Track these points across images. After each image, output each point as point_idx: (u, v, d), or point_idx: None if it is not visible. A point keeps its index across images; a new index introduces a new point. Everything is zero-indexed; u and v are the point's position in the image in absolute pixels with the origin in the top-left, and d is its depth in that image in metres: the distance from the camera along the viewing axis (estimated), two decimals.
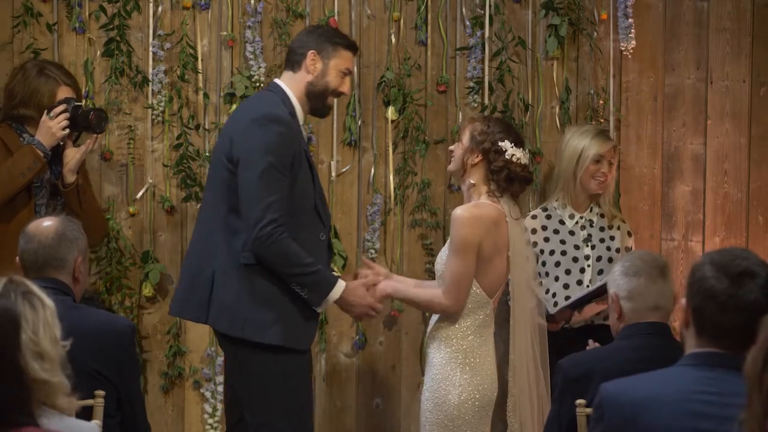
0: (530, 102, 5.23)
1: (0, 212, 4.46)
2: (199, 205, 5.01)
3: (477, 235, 4.16)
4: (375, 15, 5.14)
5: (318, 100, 4.23)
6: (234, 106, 5.03)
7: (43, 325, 2.45)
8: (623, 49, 5.26)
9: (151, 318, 5.02)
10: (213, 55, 5.06)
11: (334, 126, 5.09)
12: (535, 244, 4.79)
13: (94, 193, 4.83)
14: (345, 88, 4.26)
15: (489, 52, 5.18)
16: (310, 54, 4.20)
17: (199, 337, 5.07)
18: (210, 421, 5.05)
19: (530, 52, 5.24)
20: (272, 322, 4.04)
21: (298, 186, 4.09)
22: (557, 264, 4.77)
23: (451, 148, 4.40)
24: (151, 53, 4.98)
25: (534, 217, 4.87)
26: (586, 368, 3.45)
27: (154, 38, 4.98)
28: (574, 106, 5.27)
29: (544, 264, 4.77)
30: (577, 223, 4.85)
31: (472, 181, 4.26)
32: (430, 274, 4.99)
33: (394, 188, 5.16)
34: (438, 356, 4.22)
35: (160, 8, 5.00)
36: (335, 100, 4.36)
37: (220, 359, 5.02)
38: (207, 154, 5.02)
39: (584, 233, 4.84)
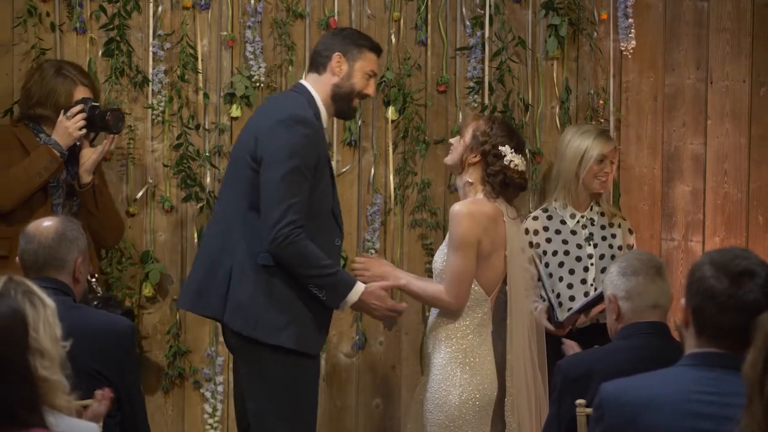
0: (530, 102, 5.23)
1: (17, 212, 4.44)
2: (199, 205, 5.02)
3: (476, 230, 4.16)
4: (375, 15, 5.14)
5: (344, 102, 4.23)
6: (234, 106, 5.04)
7: (43, 323, 2.46)
8: (623, 49, 5.26)
9: (151, 318, 5.02)
10: (213, 55, 5.06)
11: (334, 126, 5.09)
12: (537, 245, 4.80)
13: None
14: (370, 90, 4.28)
15: (489, 52, 5.18)
16: (336, 56, 4.20)
17: (199, 337, 5.07)
18: (210, 421, 5.05)
19: (530, 52, 5.24)
20: (286, 325, 4.03)
21: (319, 189, 4.09)
22: (561, 264, 4.78)
23: (452, 141, 4.40)
24: (151, 53, 4.98)
25: (535, 218, 4.87)
26: (585, 368, 3.45)
27: (154, 38, 4.98)
28: (574, 106, 5.27)
29: (547, 265, 4.78)
30: (578, 222, 4.85)
31: (468, 180, 4.27)
32: (430, 274, 4.98)
33: (394, 188, 5.16)
34: (438, 356, 4.22)
35: (160, 8, 5.00)
36: (360, 102, 4.36)
37: (221, 359, 5.02)
38: (207, 154, 5.02)
39: (586, 232, 4.84)
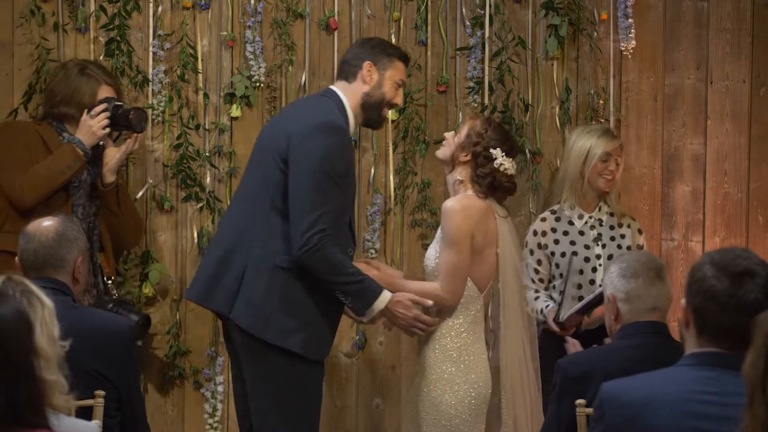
0: (530, 102, 5.23)
1: (37, 211, 4.40)
2: (199, 205, 5.02)
3: (469, 225, 4.17)
4: (375, 15, 5.14)
5: (374, 111, 4.23)
6: (234, 106, 5.04)
7: (40, 324, 2.46)
8: (623, 49, 5.26)
9: (151, 318, 5.00)
10: (213, 55, 5.06)
11: None
12: (545, 246, 4.81)
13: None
14: (398, 99, 4.28)
15: (489, 52, 5.18)
16: (366, 64, 4.20)
17: (199, 337, 5.07)
18: (210, 421, 5.05)
19: (530, 52, 5.24)
20: (295, 329, 4.01)
21: (344, 198, 4.10)
22: (569, 265, 4.78)
23: (447, 135, 4.38)
24: (151, 53, 4.98)
25: (543, 219, 4.87)
26: (585, 368, 3.45)
27: (154, 38, 4.98)
28: (574, 106, 5.27)
29: (557, 266, 4.78)
30: (586, 222, 4.85)
31: (458, 178, 4.29)
32: None
33: (394, 188, 5.16)
34: (432, 356, 4.22)
35: (160, 8, 5.01)
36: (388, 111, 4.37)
37: (221, 359, 5.02)
38: (207, 154, 5.03)
39: (594, 233, 4.84)
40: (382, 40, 4.49)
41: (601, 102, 5.27)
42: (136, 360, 3.88)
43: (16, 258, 3.66)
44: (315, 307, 4.05)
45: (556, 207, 4.88)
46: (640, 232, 4.91)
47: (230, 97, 5.04)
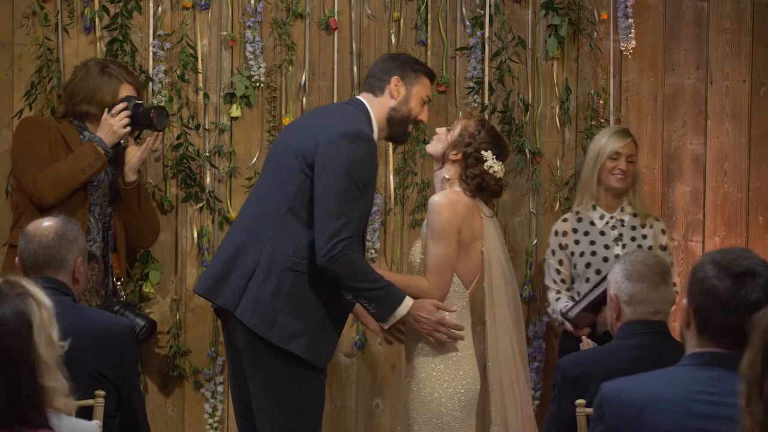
0: (530, 102, 5.23)
1: (56, 210, 4.39)
2: (199, 205, 5.03)
3: (456, 219, 4.18)
4: (375, 15, 5.15)
5: (399, 126, 4.23)
6: (234, 106, 5.04)
7: (39, 324, 2.45)
8: (623, 49, 5.26)
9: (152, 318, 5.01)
10: (213, 55, 5.06)
11: None
12: (566, 246, 4.84)
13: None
14: (424, 116, 4.29)
15: (489, 52, 5.18)
16: (394, 79, 4.20)
17: (199, 337, 5.07)
18: (210, 421, 5.05)
19: (530, 52, 5.24)
20: (300, 333, 4.00)
21: (366, 208, 4.11)
22: (587, 265, 4.79)
23: (439, 130, 4.38)
24: (151, 53, 4.98)
25: (565, 220, 4.91)
26: (585, 368, 3.45)
27: (154, 38, 4.98)
28: (574, 106, 5.27)
29: (575, 266, 4.79)
30: (607, 223, 4.86)
31: (446, 176, 4.30)
32: None
33: (394, 188, 5.16)
34: (420, 354, 4.22)
35: (160, 8, 5.01)
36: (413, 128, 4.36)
37: (221, 359, 5.02)
38: (207, 154, 5.03)
39: (615, 233, 4.85)
40: (408, 55, 4.51)
41: (601, 102, 5.27)
42: (136, 360, 3.88)
43: (17, 258, 3.66)
44: (322, 312, 4.04)
45: (578, 207, 4.90)
46: (663, 232, 4.91)
47: (230, 97, 5.04)
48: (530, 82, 5.25)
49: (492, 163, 4.26)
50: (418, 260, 4.28)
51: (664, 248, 4.87)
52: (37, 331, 2.45)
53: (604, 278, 4.18)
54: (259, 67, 5.03)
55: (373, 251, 5.10)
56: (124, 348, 3.63)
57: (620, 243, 4.83)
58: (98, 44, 4.96)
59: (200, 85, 5.04)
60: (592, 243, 4.83)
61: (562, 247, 4.84)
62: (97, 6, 4.95)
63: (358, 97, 4.27)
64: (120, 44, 4.92)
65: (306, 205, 4.02)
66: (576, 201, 4.94)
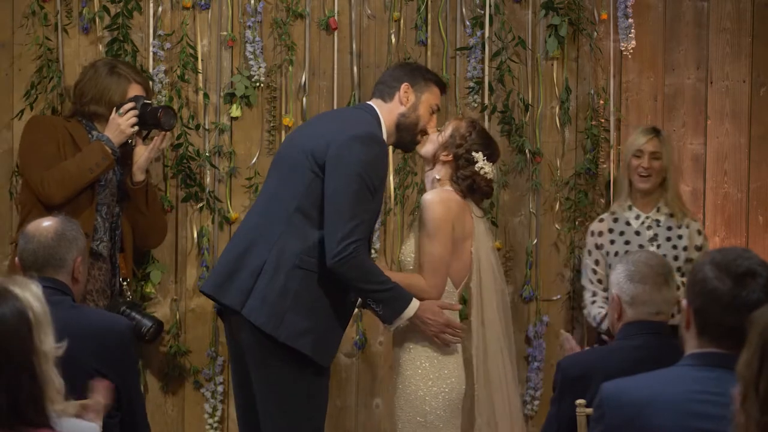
0: (530, 102, 5.23)
1: (63, 210, 4.38)
2: (199, 205, 5.03)
3: (450, 216, 4.19)
4: (375, 15, 5.15)
5: (407, 133, 4.24)
6: (234, 106, 5.04)
7: (36, 327, 2.45)
8: (623, 49, 5.26)
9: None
10: (213, 55, 5.06)
11: None
12: (601, 246, 4.88)
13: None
14: (432, 125, 4.30)
15: (489, 52, 5.18)
16: (404, 86, 4.21)
17: (199, 337, 5.07)
18: (210, 421, 5.05)
19: (530, 52, 5.24)
20: (307, 331, 3.99)
21: (375, 210, 4.11)
22: None
23: (432, 132, 4.38)
24: (151, 53, 4.98)
25: (601, 220, 4.95)
26: (585, 368, 3.45)
27: (154, 38, 4.98)
28: (574, 106, 5.27)
29: (610, 266, 4.80)
30: (642, 223, 4.88)
31: (437, 176, 4.31)
32: None
33: (394, 188, 5.16)
34: (407, 352, 4.22)
35: (160, 8, 5.01)
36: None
37: (221, 359, 5.02)
38: (207, 154, 5.03)
39: (650, 233, 4.86)
40: (419, 64, 4.53)
41: (601, 102, 5.27)
42: (136, 360, 3.88)
43: (16, 258, 3.66)
44: (328, 311, 4.04)
45: (615, 207, 4.92)
46: (699, 232, 4.91)
47: (230, 97, 5.04)
48: (530, 82, 5.25)
49: (483, 165, 4.27)
50: (409, 259, 4.28)
51: (699, 249, 4.86)
52: (37, 330, 2.45)
53: None
54: (259, 67, 5.03)
55: (373, 251, 5.10)
56: (124, 348, 3.63)
57: (655, 243, 4.84)
58: (98, 44, 4.96)
59: (200, 85, 5.04)
60: (627, 243, 4.84)
61: (597, 247, 4.87)
62: (96, 6, 4.95)
63: (368, 102, 4.28)
64: (120, 44, 4.92)
65: (315, 205, 4.02)
66: (614, 201, 4.97)
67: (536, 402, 5.22)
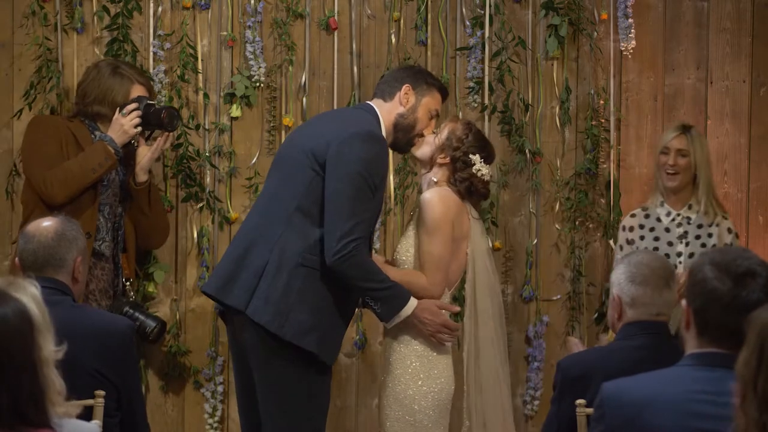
0: (530, 102, 5.23)
1: (65, 210, 4.38)
2: (199, 205, 5.03)
3: (449, 214, 4.20)
4: (375, 15, 5.15)
5: (404, 134, 4.24)
6: (234, 106, 5.04)
7: (38, 327, 2.45)
8: (623, 49, 5.26)
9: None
10: (213, 55, 5.06)
11: None
12: (632, 241, 4.89)
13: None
14: (429, 130, 4.30)
15: (489, 52, 5.18)
16: (405, 87, 4.21)
17: (199, 337, 5.07)
18: (210, 421, 5.05)
19: (530, 52, 5.24)
20: (311, 329, 4.00)
21: (376, 208, 4.12)
22: None
23: (427, 134, 4.37)
24: (151, 53, 4.98)
25: (633, 215, 4.96)
26: (585, 368, 3.45)
27: (154, 38, 4.98)
28: (574, 106, 5.27)
29: None
30: (673, 220, 4.89)
31: (434, 179, 4.30)
32: None
33: (394, 188, 5.16)
34: (397, 350, 4.21)
35: (160, 8, 5.01)
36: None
37: (221, 359, 5.02)
38: (207, 154, 5.03)
39: (680, 230, 4.87)
40: (423, 68, 4.54)
41: (601, 102, 5.27)
42: (136, 360, 3.87)
43: (16, 258, 3.66)
44: (331, 309, 4.05)
45: (648, 203, 4.93)
46: (729, 231, 4.90)
47: (230, 97, 5.04)
48: (530, 82, 5.25)
49: (480, 166, 4.27)
50: (404, 257, 4.27)
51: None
52: (39, 331, 2.45)
53: None
54: (259, 67, 5.03)
55: (373, 251, 5.09)
56: (124, 348, 3.63)
57: (684, 241, 4.85)
58: (96, 45, 4.96)
59: (200, 85, 5.04)
60: (657, 239, 4.86)
61: (629, 242, 4.89)
62: (96, 6, 4.95)
63: (368, 102, 4.29)
64: (120, 44, 4.92)
65: (316, 203, 4.03)
66: (649, 197, 4.98)
67: (536, 402, 5.22)
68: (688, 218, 4.89)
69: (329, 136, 4.06)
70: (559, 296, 5.28)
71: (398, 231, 5.16)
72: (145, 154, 4.62)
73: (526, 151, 5.20)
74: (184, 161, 5.00)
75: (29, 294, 2.49)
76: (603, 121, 5.26)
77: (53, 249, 3.59)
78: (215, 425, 5.05)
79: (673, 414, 2.61)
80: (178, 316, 5.03)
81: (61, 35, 4.94)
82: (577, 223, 5.26)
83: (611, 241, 5.22)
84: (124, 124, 4.53)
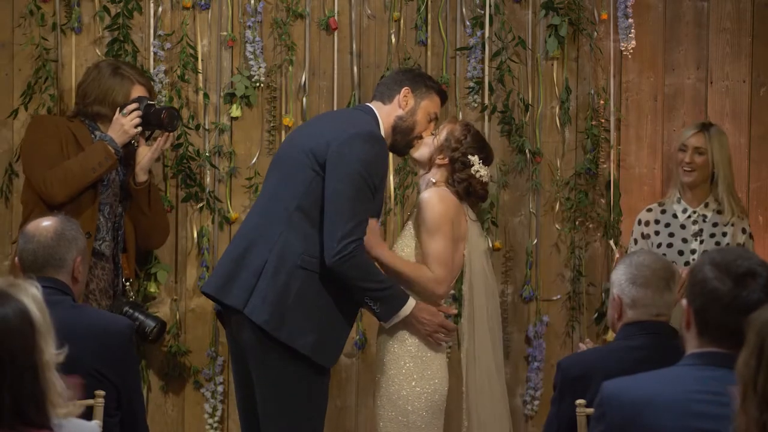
0: (530, 102, 5.23)
1: (65, 209, 4.38)
2: (199, 205, 5.03)
3: (449, 213, 4.20)
4: (375, 15, 5.15)
5: (402, 137, 4.25)
6: (234, 106, 5.04)
7: (39, 328, 2.45)
8: (623, 49, 5.26)
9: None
10: (213, 55, 5.06)
11: None
12: (647, 236, 4.92)
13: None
14: (427, 133, 4.30)
15: (489, 52, 5.18)
16: (405, 90, 4.22)
17: (199, 337, 5.07)
18: (210, 421, 5.05)
19: (530, 52, 5.24)
20: (307, 331, 4.00)
21: (375, 209, 4.13)
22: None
23: (426, 135, 4.37)
24: (151, 53, 4.98)
25: (649, 210, 4.98)
26: (585, 368, 3.45)
27: (154, 38, 4.98)
28: (574, 106, 5.27)
29: None
30: (689, 217, 4.90)
31: (432, 179, 4.30)
32: None
33: (394, 188, 5.16)
34: (391, 350, 4.21)
35: (160, 8, 5.01)
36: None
37: (221, 359, 5.02)
38: (207, 154, 5.03)
39: (695, 228, 4.88)
40: (422, 71, 4.55)
41: (601, 102, 5.27)
42: (136, 360, 3.88)
43: (16, 258, 3.66)
44: (331, 312, 4.05)
45: (665, 199, 4.94)
46: (743, 231, 4.90)
47: (230, 97, 5.05)
48: (530, 82, 5.25)
49: (479, 168, 4.28)
50: (401, 255, 4.27)
51: (741, 246, 4.86)
52: (39, 332, 2.45)
53: None
54: (259, 67, 5.03)
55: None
56: (124, 348, 3.63)
57: (699, 238, 4.85)
58: (97, 45, 4.96)
59: (200, 85, 5.04)
60: (671, 235, 4.87)
61: (644, 236, 4.91)
62: (94, 7, 4.95)
63: (367, 104, 4.29)
64: (121, 44, 4.92)
65: (316, 204, 4.03)
66: (667, 193, 5.00)
67: (536, 402, 5.22)
68: (704, 216, 4.90)
69: (329, 136, 4.06)
70: (559, 296, 5.28)
71: (398, 231, 5.15)
72: (145, 154, 4.63)
73: (526, 151, 5.20)
74: (184, 161, 5.00)
75: (30, 295, 2.49)
76: (603, 121, 5.26)
77: (53, 249, 3.58)
78: (215, 425, 5.05)
79: (673, 414, 2.61)
80: (178, 316, 5.03)
81: (60, 35, 4.94)
82: (577, 223, 5.26)
83: (611, 241, 5.22)
84: (125, 124, 4.54)
